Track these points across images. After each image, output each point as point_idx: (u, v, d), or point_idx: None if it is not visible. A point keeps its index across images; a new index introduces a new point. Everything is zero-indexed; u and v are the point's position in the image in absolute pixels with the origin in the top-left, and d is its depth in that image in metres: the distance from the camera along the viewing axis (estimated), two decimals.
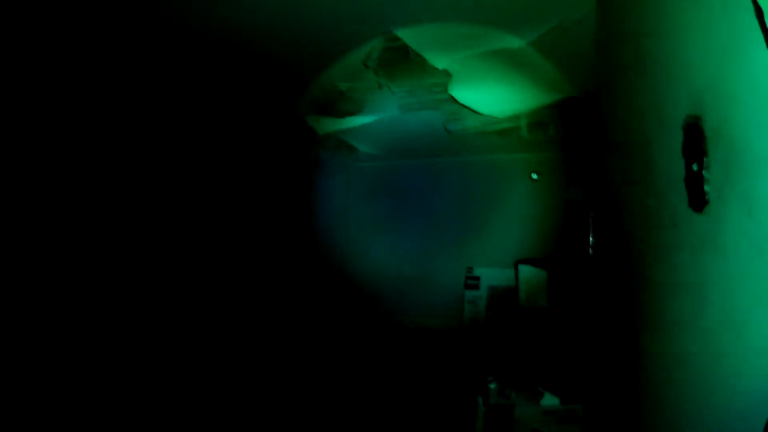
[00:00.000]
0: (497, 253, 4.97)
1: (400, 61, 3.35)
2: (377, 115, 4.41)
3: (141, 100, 3.57)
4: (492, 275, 4.95)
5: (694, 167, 1.17)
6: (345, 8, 2.74)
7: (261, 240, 4.76)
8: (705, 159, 1.13)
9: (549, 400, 2.46)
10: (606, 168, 3.09)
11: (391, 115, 4.39)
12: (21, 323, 2.70)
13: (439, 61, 3.31)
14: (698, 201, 1.15)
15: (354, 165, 5.73)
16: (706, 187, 1.11)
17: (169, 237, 3.79)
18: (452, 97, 3.81)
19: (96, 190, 3.27)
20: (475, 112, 4.04)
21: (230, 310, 4.29)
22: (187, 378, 3.61)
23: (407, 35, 3.01)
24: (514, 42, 3.05)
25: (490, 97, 3.83)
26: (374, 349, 4.77)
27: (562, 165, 4.80)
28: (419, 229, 5.47)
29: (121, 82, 3.38)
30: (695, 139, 1.17)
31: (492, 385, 2.53)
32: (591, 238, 3.36)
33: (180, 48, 3.17)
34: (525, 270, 3.73)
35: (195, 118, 4.06)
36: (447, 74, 3.48)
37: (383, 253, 5.59)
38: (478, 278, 5.02)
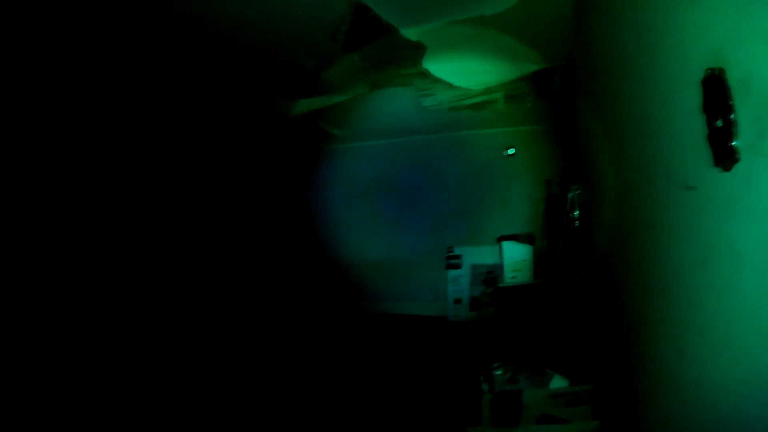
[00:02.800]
0: (479, 231, 4.89)
1: (370, 34, 3.20)
2: (347, 94, 4.26)
3: (137, 97, 3.56)
4: (474, 254, 4.87)
5: (719, 123, 1.07)
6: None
7: (241, 229, 4.67)
8: (732, 114, 1.03)
9: (558, 383, 2.37)
10: (588, 138, 3.01)
11: (362, 93, 4.25)
12: (21, 323, 2.69)
13: (410, 32, 3.17)
14: (726, 159, 1.05)
15: (327, 149, 5.57)
16: (735, 143, 1.01)
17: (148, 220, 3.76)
18: (425, 70, 3.67)
19: (91, 184, 3.27)
20: (448, 85, 3.91)
21: (215, 301, 4.25)
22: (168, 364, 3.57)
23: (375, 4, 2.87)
24: (487, 9, 2.92)
25: (465, 69, 3.71)
26: (364, 339, 4.67)
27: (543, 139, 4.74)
28: (398, 211, 5.35)
29: (120, 79, 3.36)
30: (718, 94, 1.07)
31: (498, 372, 2.43)
32: (576, 212, 3.29)
33: (172, 44, 3.13)
34: (509, 246, 3.64)
35: (184, 113, 4.04)
36: (419, 47, 3.34)
37: (364, 239, 5.48)
38: (459, 257, 4.94)
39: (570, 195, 3.26)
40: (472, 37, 3.28)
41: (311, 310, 5.16)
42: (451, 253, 4.99)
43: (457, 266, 4.91)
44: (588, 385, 2.37)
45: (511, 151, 4.79)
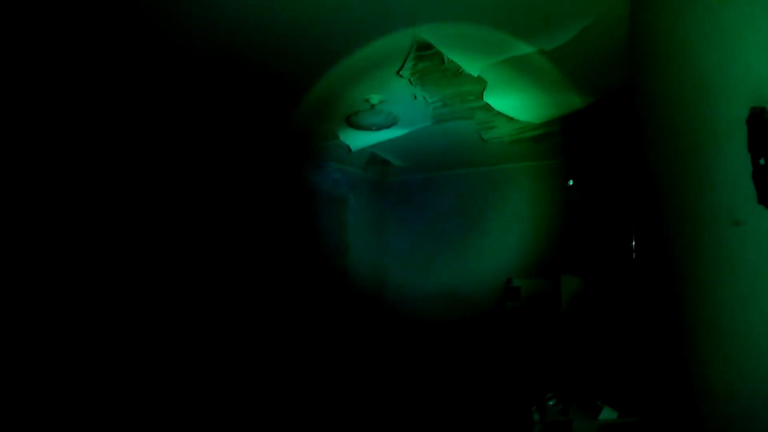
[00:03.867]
0: (536, 262, 4.90)
1: (434, 70, 3.31)
2: (411, 128, 4.37)
3: (144, 122, 3.64)
4: (530, 285, 4.87)
5: (762, 161, 1.11)
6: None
7: (281, 257, 4.77)
8: None
9: (607, 414, 2.37)
10: (645, 171, 3.00)
11: (424, 127, 4.36)
12: (21, 323, 2.73)
13: (473, 67, 3.26)
14: None
15: (384, 180, 5.74)
16: None
17: (186, 254, 3.86)
18: (487, 104, 3.75)
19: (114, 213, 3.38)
20: (509, 118, 3.98)
21: (255, 328, 4.36)
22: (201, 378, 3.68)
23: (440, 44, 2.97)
24: (546, 44, 2.98)
25: (526, 102, 3.77)
26: (417, 365, 4.70)
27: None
28: (449, 244, 5.45)
29: (123, 107, 3.46)
30: (762, 133, 1.12)
31: (550, 402, 2.46)
32: (633, 244, 3.26)
33: (189, 70, 3.21)
34: (566, 280, 3.64)
35: (203, 133, 4.14)
36: (481, 81, 3.43)
37: (422, 268, 5.58)
38: (518, 288, 4.93)
39: (629, 226, 3.24)
40: (533, 71, 3.34)
41: (367, 335, 5.24)
42: (510, 285, 5.00)
43: (516, 298, 4.90)
44: (634, 417, 2.35)
45: (570, 182, 4.77)
